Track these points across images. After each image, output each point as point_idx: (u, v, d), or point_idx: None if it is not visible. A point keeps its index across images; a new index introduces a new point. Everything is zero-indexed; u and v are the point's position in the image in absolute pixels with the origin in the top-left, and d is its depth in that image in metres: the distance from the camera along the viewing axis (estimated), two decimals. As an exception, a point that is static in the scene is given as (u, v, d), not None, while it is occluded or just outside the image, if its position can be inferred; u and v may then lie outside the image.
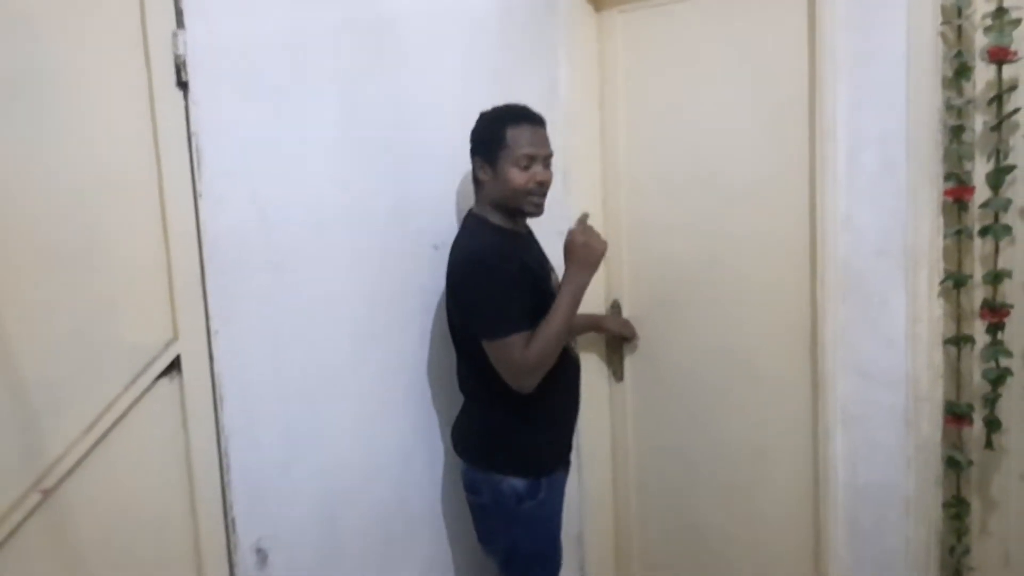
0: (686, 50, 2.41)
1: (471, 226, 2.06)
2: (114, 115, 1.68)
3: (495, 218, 2.05)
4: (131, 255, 1.70)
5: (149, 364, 1.71)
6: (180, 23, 1.74)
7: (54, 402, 1.57)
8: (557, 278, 2.16)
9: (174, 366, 1.73)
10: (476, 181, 2.08)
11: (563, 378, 2.04)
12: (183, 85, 1.75)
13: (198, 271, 1.78)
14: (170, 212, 1.74)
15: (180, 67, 1.75)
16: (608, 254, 2.06)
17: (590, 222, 2.08)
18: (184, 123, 1.76)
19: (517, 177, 2.01)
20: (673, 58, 2.45)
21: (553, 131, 2.16)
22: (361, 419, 2.09)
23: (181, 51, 1.74)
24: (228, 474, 1.81)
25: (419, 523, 2.26)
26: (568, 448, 2.16)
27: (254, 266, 1.86)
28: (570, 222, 2.46)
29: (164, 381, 1.73)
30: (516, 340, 1.89)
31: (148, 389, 1.70)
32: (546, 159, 2.05)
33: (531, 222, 2.16)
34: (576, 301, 1.96)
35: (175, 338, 1.73)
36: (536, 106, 2.15)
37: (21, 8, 1.57)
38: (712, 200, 2.39)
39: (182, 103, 1.76)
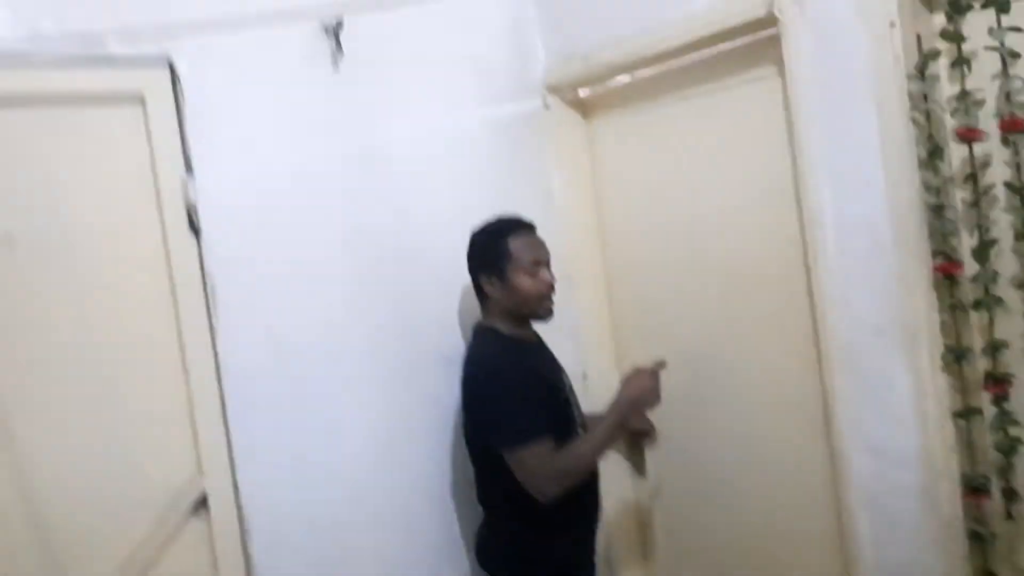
0: (673, 146, 2.51)
1: (481, 338, 2.12)
2: (131, 264, 1.78)
3: (504, 328, 2.11)
4: (153, 398, 1.78)
5: (176, 503, 1.76)
6: (189, 170, 1.86)
7: (84, 550, 1.62)
8: (569, 381, 2.20)
9: (201, 503, 1.78)
10: (482, 296, 2.14)
11: (582, 487, 2.05)
12: (195, 229, 1.85)
13: (219, 407, 1.85)
14: (189, 352, 1.82)
15: (192, 212, 1.85)
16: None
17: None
18: (198, 265, 1.86)
19: (529, 284, 2.08)
20: (661, 155, 2.54)
21: (551, 235, 2.25)
22: (386, 540, 2.11)
23: (192, 197, 1.85)
24: (259, 608, 1.84)
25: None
26: (591, 553, 2.16)
27: (273, 396, 1.93)
28: (575, 329, 2.52)
29: (192, 519, 1.77)
30: (537, 449, 1.91)
31: (177, 529, 1.75)
32: (548, 262, 2.13)
33: (540, 329, 2.23)
34: (616, 438, 2.04)
35: (200, 475, 1.79)
36: (533, 213, 2.24)
37: (44, 172, 1.69)
38: (713, 288, 2.45)
39: (195, 246, 1.86)
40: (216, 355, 1.86)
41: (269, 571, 1.87)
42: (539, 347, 2.21)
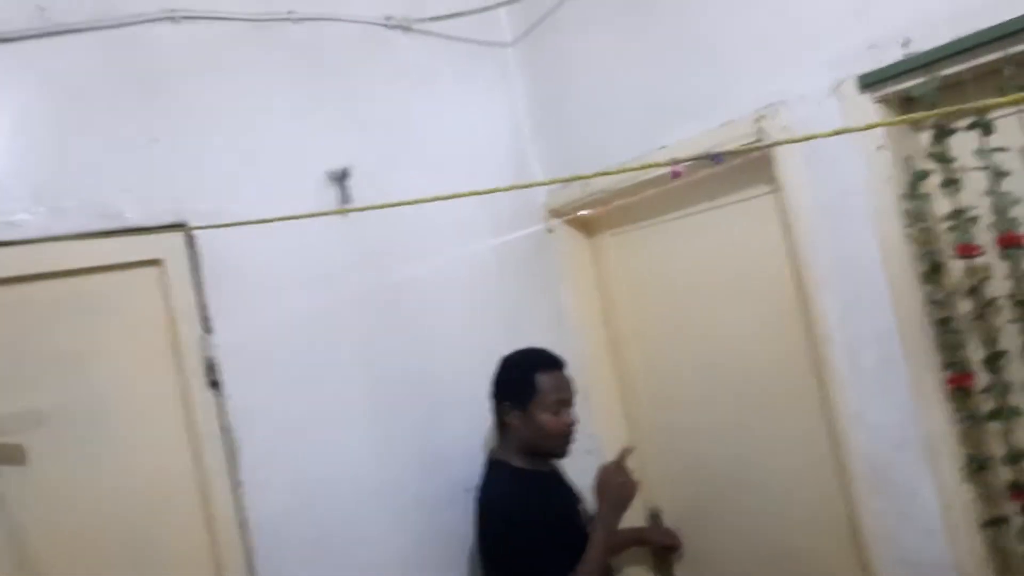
0: (676, 260, 2.56)
1: (495, 473, 2.14)
2: (154, 424, 1.82)
3: (518, 461, 2.12)
4: (179, 551, 1.79)
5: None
6: (207, 328, 1.91)
7: None
8: (586, 508, 2.20)
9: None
10: (502, 425, 2.15)
11: None
12: (214, 384, 1.90)
13: (243, 558, 1.85)
14: (214, 503, 1.84)
15: (210, 368, 1.90)
16: (640, 463, 2.12)
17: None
18: (218, 419, 1.89)
19: (551, 423, 2.11)
20: (665, 268, 2.60)
21: (565, 350, 2.29)
22: None
23: (210, 354, 1.90)
24: None
25: None
26: None
27: (299, 543, 1.94)
28: (594, 443, 2.53)
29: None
30: None
31: None
32: (572, 401, 2.16)
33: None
34: (610, 541, 2.03)
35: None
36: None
37: (70, 344, 1.74)
38: (729, 401, 2.46)
39: (214, 400, 1.90)
40: (241, 506, 1.87)
41: None
42: (553, 477, 2.22)
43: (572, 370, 2.26)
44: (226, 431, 1.89)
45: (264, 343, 2.02)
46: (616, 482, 2.07)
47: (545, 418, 2.10)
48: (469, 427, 2.37)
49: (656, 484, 2.67)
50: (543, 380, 2.13)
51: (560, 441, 2.13)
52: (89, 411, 1.74)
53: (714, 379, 2.50)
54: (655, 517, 2.70)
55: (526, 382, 2.14)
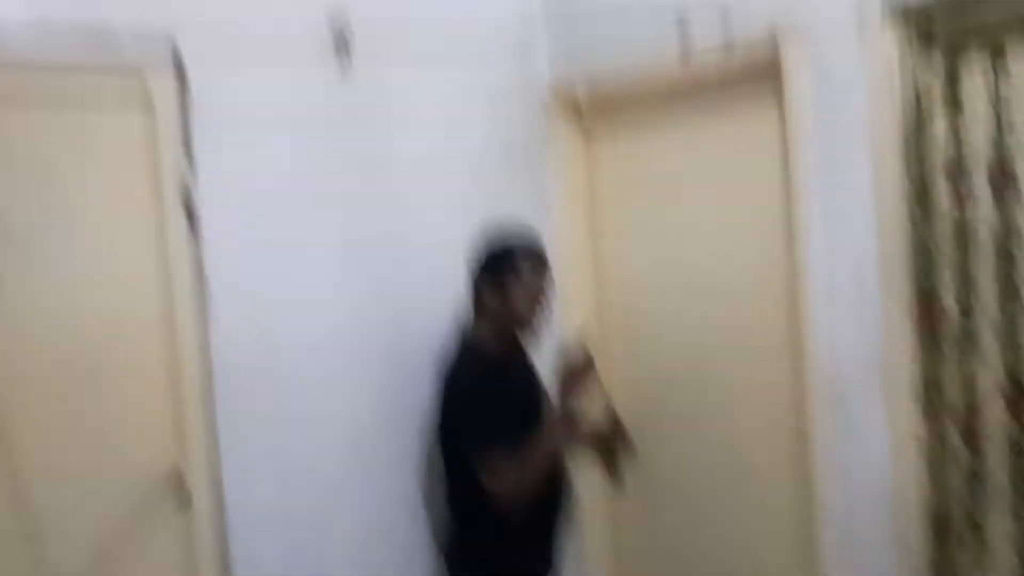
0: (671, 171, 2.55)
1: (465, 358, 2.14)
2: (127, 251, 1.79)
3: (490, 346, 2.13)
4: (142, 384, 1.79)
5: (158, 491, 1.76)
6: (190, 162, 1.87)
7: (62, 531, 1.62)
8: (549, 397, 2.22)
9: (185, 495, 1.79)
10: (479, 303, 2.16)
11: (546, 498, 2.09)
12: (192, 220, 1.87)
13: (207, 398, 1.86)
14: (180, 342, 1.83)
15: (189, 200, 1.86)
16: (605, 364, 2.17)
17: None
18: (191, 251, 1.86)
19: (527, 309, 2.14)
20: (659, 178, 2.59)
21: (547, 246, 2.27)
22: (361, 538, 2.13)
23: (190, 187, 1.86)
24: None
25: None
26: (548, 564, 2.19)
27: (260, 392, 1.94)
28: (564, 333, 2.55)
29: (173, 508, 1.78)
30: (502, 452, 1.96)
31: (157, 516, 1.75)
32: (550, 288, 2.18)
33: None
34: (566, 421, 2.07)
35: (184, 464, 1.80)
36: (528, 220, 2.27)
37: (48, 167, 1.70)
38: (700, 315, 2.50)
39: (189, 233, 1.87)
40: (208, 346, 1.87)
41: (246, 563, 1.88)
42: (521, 366, 2.24)
43: (550, 262, 2.26)
44: (198, 265, 1.86)
45: (245, 187, 1.98)
46: (573, 362, 2.08)
47: (522, 303, 2.13)
48: (443, 310, 2.36)
49: (618, 387, 2.70)
50: (527, 267, 2.14)
51: (531, 327, 2.16)
52: (61, 231, 1.71)
53: (689, 289, 2.52)
54: (613, 418, 2.73)
55: (512, 265, 2.14)
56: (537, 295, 2.13)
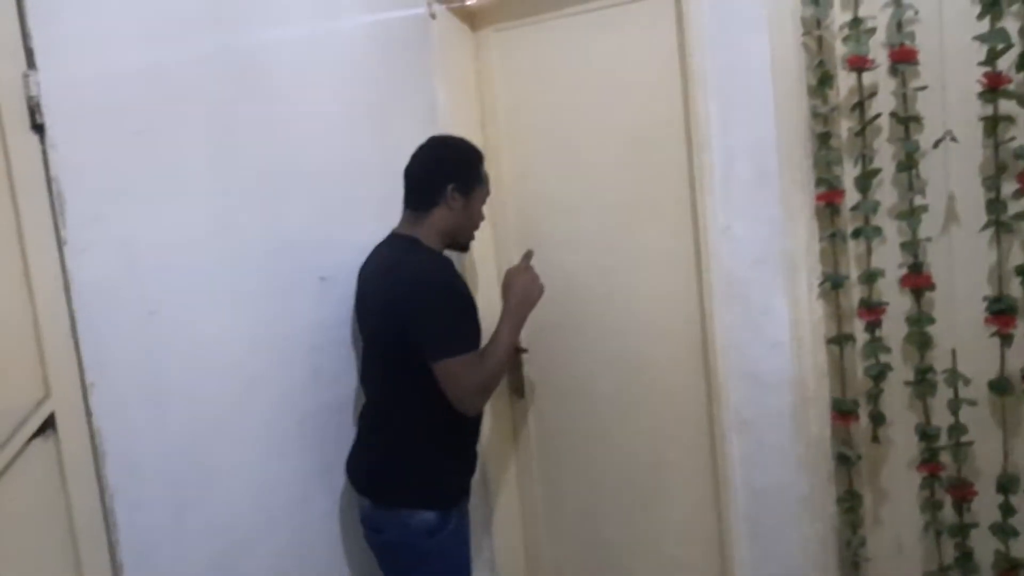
0: (561, 66, 2.44)
1: (408, 247, 2.02)
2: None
3: (432, 243, 2.03)
4: (-9, 311, 1.61)
5: (20, 425, 1.60)
6: (31, 64, 1.65)
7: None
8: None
9: (48, 425, 1.64)
10: (431, 203, 2.02)
11: None
12: (39, 128, 1.66)
13: (68, 323, 1.68)
14: (32, 263, 1.64)
15: (34, 109, 1.66)
16: (502, 269, 2.10)
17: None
18: (42, 168, 1.67)
19: (480, 216, 2.09)
20: (550, 74, 2.47)
21: (435, 153, 2.15)
22: (252, 465, 2.01)
23: (34, 92, 1.65)
24: (115, 532, 1.71)
25: (322, 568, 2.19)
26: (473, 474, 2.14)
27: (128, 314, 1.77)
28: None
29: (38, 442, 1.63)
30: (468, 358, 1.88)
31: (20, 452, 1.60)
32: None
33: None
34: (517, 331, 2.01)
35: (47, 395, 1.64)
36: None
37: None
38: (598, 214, 2.42)
39: (39, 147, 1.67)
40: (64, 267, 1.68)
41: (124, 493, 1.74)
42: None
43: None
44: (50, 182, 1.67)
45: (97, 91, 1.76)
46: (523, 279, 2.04)
47: (479, 209, 2.08)
48: (324, 215, 2.21)
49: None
50: (485, 173, 2.08)
51: (473, 234, 2.12)
52: None
53: (586, 188, 2.44)
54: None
55: (478, 170, 2.06)
56: (482, 206, 2.10)
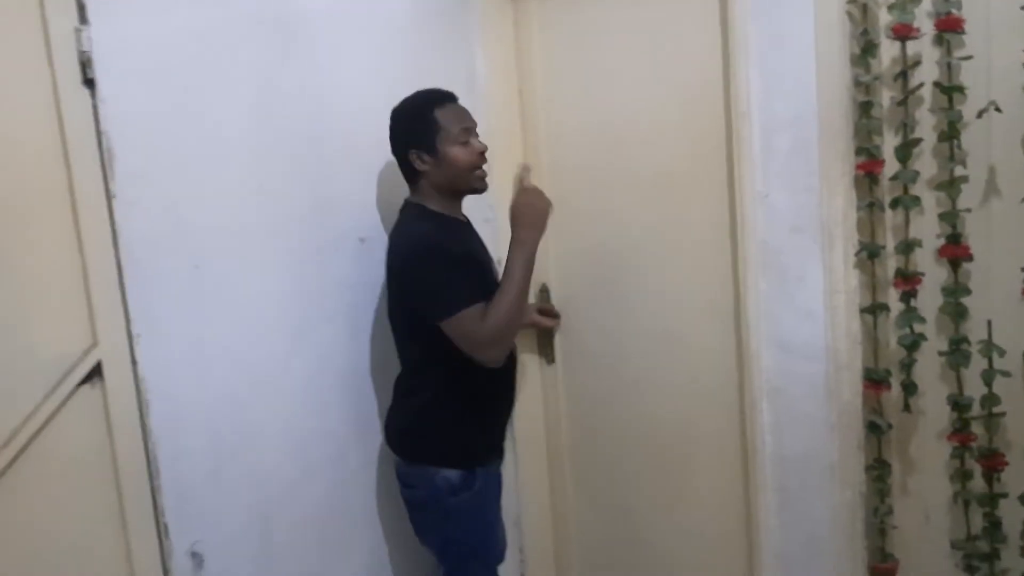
0: (601, 35, 2.42)
1: (411, 214, 2.03)
2: (17, 116, 1.62)
3: (435, 205, 2.02)
4: (44, 261, 1.65)
5: (68, 372, 1.66)
6: (83, 19, 1.68)
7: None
8: (499, 268, 2.14)
9: (95, 373, 1.69)
10: (412, 172, 2.03)
11: (503, 368, 2.00)
12: (89, 83, 1.70)
13: (116, 275, 1.73)
14: (83, 215, 1.68)
15: (85, 64, 1.69)
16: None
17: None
18: (93, 123, 1.70)
19: (462, 155, 1.99)
20: (589, 44, 2.46)
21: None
22: (291, 419, 2.06)
23: (86, 48, 1.68)
24: (157, 479, 1.77)
25: (356, 521, 2.24)
26: (503, 437, 2.17)
27: (173, 268, 1.82)
28: (492, 213, 2.47)
29: (85, 388, 1.68)
30: (472, 312, 1.87)
31: (68, 398, 1.65)
32: (476, 129, 2.05)
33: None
34: (530, 262, 1.94)
35: (95, 344, 1.69)
36: (454, 91, 2.15)
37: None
38: (633, 182, 2.41)
39: (89, 102, 1.70)
40: (112, 219, 1.72)
41: (167, 442, 1.80)
42: (468, 227, 2.14)
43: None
44: (100, 136, 1.71)
45: (146, 49, 1.79)
46: (523, 200, 1.98)
47: (456, 151, 1.98)
48: (363, 176, 2.23)
49: (548, 261, 2.64)
50: (442, 114, 1.99)
51: (474, 171, 2.02)
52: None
53: (622, 156, 2.43)
54: (543, 292, 2.70)
55: (426, 121, 2.00)
56: (466, 142, 2.00)
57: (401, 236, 2.00)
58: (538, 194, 2.01)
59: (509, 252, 1.95)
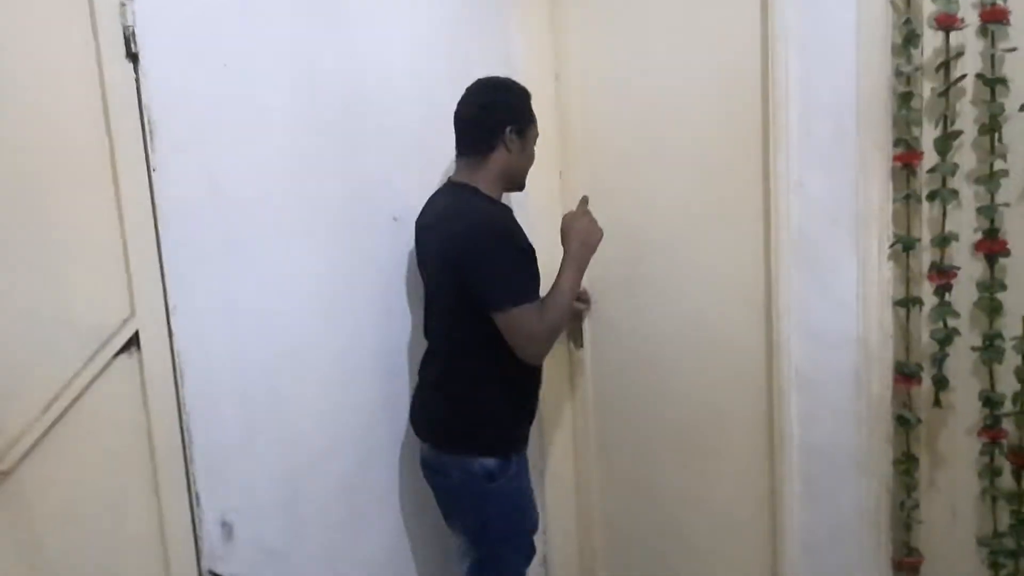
0: (639, 18, 2.41)
1: (470, 197, 2.01)
2: (62, 88, 1.65)
3: (491, 191, 2.03)
4: (84, 232, 1.68)
5: (106, 341, 1.69)
6: (128, -5, 1.71)
7: (9, 383, 1.55)
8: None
9: (132, 343, 1.72)
10: (488, 148, 2.01)
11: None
12: (133, 56, 1.72)
13: (154, 247, 1.76)
14: (123, 186, 1.71)
15: (129, 38, 1.71)
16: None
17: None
18: (135, 96, 1.73)
19: (533, 154, 2.10)
20: (626, 26, 2.44)
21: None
22: (322, 393, 2.09)
23: (130, 21, 1.71)
24: (191, 449, 1.81)
25: (381, 496, 2.28)
26: (532, 422, 2.18)
27: (210, 241, 1.85)
28: (528, 199, 2.47)
29: (123, 358, 1.72)
30: (532, 308, 1.91)
31: (106, 367, 1.69)
32: None
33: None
34: (580, 275, 2.03)
35: (132, 314, 1.72)
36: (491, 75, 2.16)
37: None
38: (668, 168, 2.40)
39: (132, 75, 1.73)
40: (152, 192, 1.75)
41: (201, 412, 1.84)
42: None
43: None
44: (142, 109, 1.73)
45: (189, 23, 1.82)
46: (583, 223, 2.05)
47: (533, 147, 2.08)
48: (400, 155, 2.25)
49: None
50: (534, 112, 2.08)
51: (527, 173, 2.12)
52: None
53: (657, 141, 2.42)
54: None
55: (530, 110, 2.06)
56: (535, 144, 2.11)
57: (462, 218, 1.96)
58: (593, 223, 2.09)
59: (563, 264, 2.02)
